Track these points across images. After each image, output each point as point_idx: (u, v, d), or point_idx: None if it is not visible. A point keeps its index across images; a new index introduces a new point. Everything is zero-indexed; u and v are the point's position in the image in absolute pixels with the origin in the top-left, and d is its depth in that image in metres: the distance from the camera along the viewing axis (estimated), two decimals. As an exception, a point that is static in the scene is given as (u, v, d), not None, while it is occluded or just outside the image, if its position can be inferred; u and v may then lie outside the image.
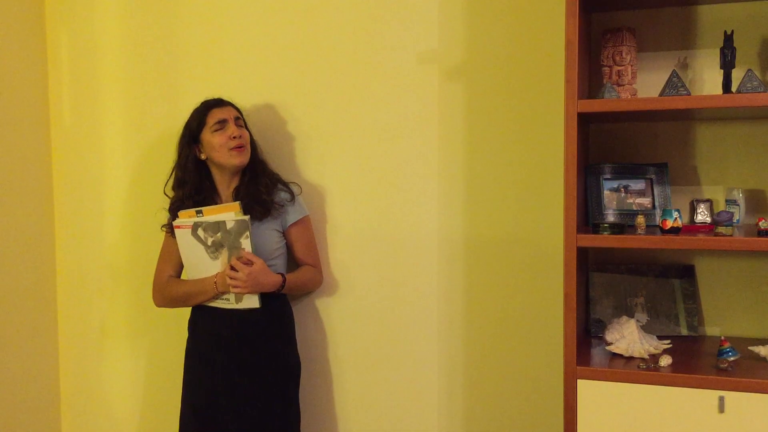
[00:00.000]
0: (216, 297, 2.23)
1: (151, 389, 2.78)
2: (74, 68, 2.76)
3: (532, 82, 2.28)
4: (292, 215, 2.31)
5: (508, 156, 2.32)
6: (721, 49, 1.90)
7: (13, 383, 2.65)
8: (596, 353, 1.96)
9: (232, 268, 2.14)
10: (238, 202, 2.18)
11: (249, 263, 2.14)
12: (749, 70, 1.79)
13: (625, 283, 2.17)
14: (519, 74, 2.29)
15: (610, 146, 2.21)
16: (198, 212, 2.19)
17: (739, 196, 2.03)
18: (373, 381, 2.51)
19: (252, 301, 2.21)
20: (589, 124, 2.19)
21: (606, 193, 2.11)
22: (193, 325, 2.35)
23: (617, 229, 1.86)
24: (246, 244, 2.17)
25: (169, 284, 2.32)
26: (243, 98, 2.57)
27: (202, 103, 2.31)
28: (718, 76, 1.94)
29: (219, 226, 2.16)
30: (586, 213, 2.11)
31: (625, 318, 1.97)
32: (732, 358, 1.79)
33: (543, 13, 2.24)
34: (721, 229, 1.80)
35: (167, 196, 2.35)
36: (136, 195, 2.73)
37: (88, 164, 2.77)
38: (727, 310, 2.14)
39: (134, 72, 2.69)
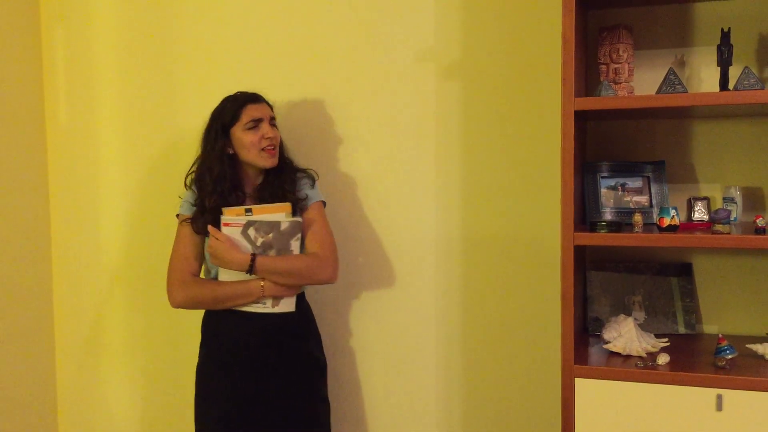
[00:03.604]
0: (255, 301, 2.10)
1: (148, 389, 2.78)
2: (70, 67, 2.76)
3: (529, 79, 2.28)
4: (307, 200, 2.20)
5: (505, 154, 2.32)
6: (718, 47, 1.90)
7: (10, 385, 2.65)
8: (594, 352, 1.96)
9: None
10: (289, 203, 2.10)
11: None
12: (746, 67, 1.79)
13: (623, 282, 2.17)
14: (516, 72, 2.29)
15: (607, 144, 2.21)
16: (247, 210, 2.07)
17: (736, 194, 2.03)
18: (371, 379, 2.50)
19: (288, 305, 2.11)
20: (586, 122, 2.18)
21: (603, 191, 2.11)
22: (213, 330, 2.18)
23: (614, 227, 1.85)
24: (296, 246, 2.09)
25: (199, 284, 2.14)
26: (239, 97, 2.57)
27: (237, 96, 2.17)
28: (715, 73, 1.94)
29: (272, 226, 2.06)
30: (584, 211, 2.11)
31: (622, 316, 1.97)
32: (730, 356, 1.79)
33: (539, 10, 2.24)
34: (718, 227, 1.80)
35: (192, 189, 2.17)
36: (132, 194, 2.72)
37: (84, 164, 2.76)
38: (725, 308, 2.14)
39: (130, 71, 2.69)
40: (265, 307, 2.10)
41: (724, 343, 1.81)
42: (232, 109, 2.14)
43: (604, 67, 2.04)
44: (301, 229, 2.09)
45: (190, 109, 2.62)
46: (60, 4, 2.74)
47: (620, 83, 2.01)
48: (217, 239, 2.04)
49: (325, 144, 2.48)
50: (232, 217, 2.06)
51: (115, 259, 2.76)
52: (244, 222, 2.05)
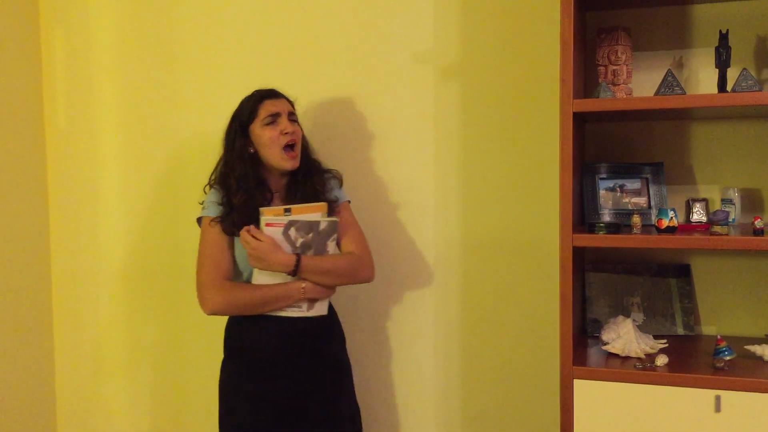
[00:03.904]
0: (291, 304, 2.02)
1: (146, 391, 2.77)
2: (69, 69, 2.76)
3: (528, 81, 2.28)
4: (337, 201, 2.15)
5: (504, 155, 2.32)
6: (716, 48, 1.90)
7: (9, 387, 2.64)
8: (593, 353, 1.96)
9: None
10: (325, 203, 2.05)
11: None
12: (744, 69, 1.79)
13: (622, 283, 2.17)
14: (514, 73, 2.29)
15: (605, 146, 2.21)
16: (286, 210, 1.99)
17: (734, 195, 2.03)
18: (370, 380, 2.50)
19: (322, 308, 2.05)
20: (585, 124, 2.19)
21: (602, 192, 2.11)
22: (245, 338, 2.06)
23: (613, 228, 1.86)
24: (332, 246, 2.03)
25: (236, 288, 2.01)
26: (238, 99, 2.56)
27: (254, 93, 2.11)
28: (714, 75, 1.94)
29: (312, 226, 1.99)
30: (582, 212, 2.11)
31: (621, 317, 1.97)
32: (728, 358, 1.79)
33: (538, 12, 2.24)
34: (716, 229, 1.80)
35: (216, 188, 2.09)
36: (131, 196, 2.72)
37: (83, 165, 2.76)
38: (724, 309, 2.14)
39: (129, 73, 2.69)
40: (301, 311, 2.03)
41: (723, 344, 1.81)
42: (249, 106, 2.08)
43: (602, 68, 2.04)
44: (337, 230, 2.04)
45: (190, 110, 2.63)
46: (59, 6, 2.74)
47: (619, 85, 2.02)
48: (259, 240, 1.94)
49: (323, 145, 2.48)
50: (273, 217, 1.98)
51: (114, 260, 2.76)
52: (285, 222, 1.97)
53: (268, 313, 2.01)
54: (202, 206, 2.09)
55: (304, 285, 1.99)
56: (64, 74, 2.77)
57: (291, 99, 2.14)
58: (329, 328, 2.13)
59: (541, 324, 2.31)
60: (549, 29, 2.21)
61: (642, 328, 2.08)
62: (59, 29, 2.76)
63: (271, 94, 2.10)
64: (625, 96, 2.01)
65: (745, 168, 2.10)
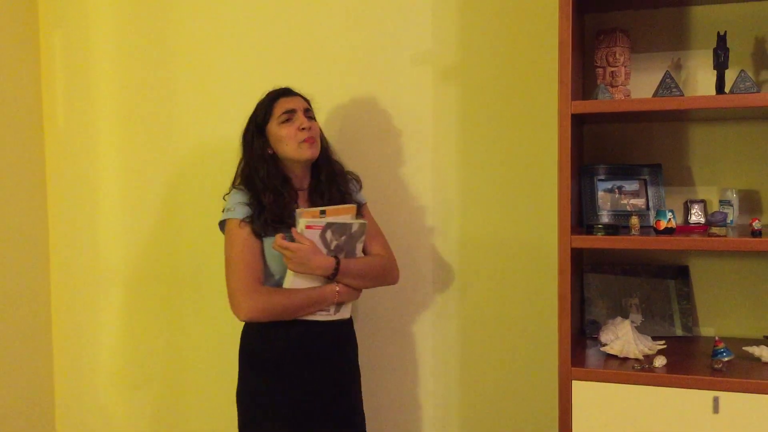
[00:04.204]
0: (325, 308, 1.99)
1: (145, 391, 2.77)
2: (68, 70, 2.76)
3: (526, 82, 2.28)
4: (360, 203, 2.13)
5: (502, 157, 2.32)
6: (715, 50, 1.91)
7: (7, 388, 2.64)
8: (591, 354, 1.96)
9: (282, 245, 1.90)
10: (354, 205, 2.02)
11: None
12: (742, 70, 1.79)
13: (620, 284, 2.17)
14: (513, 75, 2.30)
15: (604, 147, 2.21)
16: (322, 212, 1.94)
17: (732, 197, 2.03)
18: (368, 380, 2.50)
19: (347, 311, 2.04)
20: (583, 125, 2.19)
21: (600, 194, 2.11)
22: (271, 345, 1.99)
23: (611, 230, 1.86)
24: (359, 249, 2.01)
25: (271, 293, 1.94)
26: (237, 100, 2.57)
27: (268, 93, 2.08)
28: (712, 76, 1.94)
29: (345, 228, 1.96)
30: (581, 214, 2.11)
31: (619, 319, 1.97)
32: (726, 359, 1.79)
33: (536, 14, 2.25)
34: (715, 230, 1.81)
35: (241, 188, 2.02)
36: (130, 197, 2.72)
37: (82, 167, 2.76)
38: (722, 310, 2.14)
39: (128, 74, 2.69)
40: (329, 315, 2.00)
41: (721, 345, 1.81)
42: (264, 106, 2.05)
43: (600, 70, 2.04)
44: (365, 232, 2.01)
45: (189, 111, 2.63)
46: (58, 8, 2.74)
47: (617, 86, 2.02)
48: (300, 242, 1.89)
49: (322, 147, 2.48)
50: (313, 219, 1.92)
51: (113, 262, 2.76)
52: (323, 224, 1.92)
53: (302, 317, 1.96)
54: (225, 210, 2.00)
55: (338, 288, 1.96)
56: (63, 75, 2.77)
57: (307, 97, 2.11)
58: (350, 331, 2.13)
59: (539, 325, 2.31)
60: (547, 31, 2.21)
61: (640, 329, 2.08)
62: (58, 30, 2.76)
63: (286, 92, 2.07)
64: (623, 97, 2.01)
65: (743, 169, 2.10)
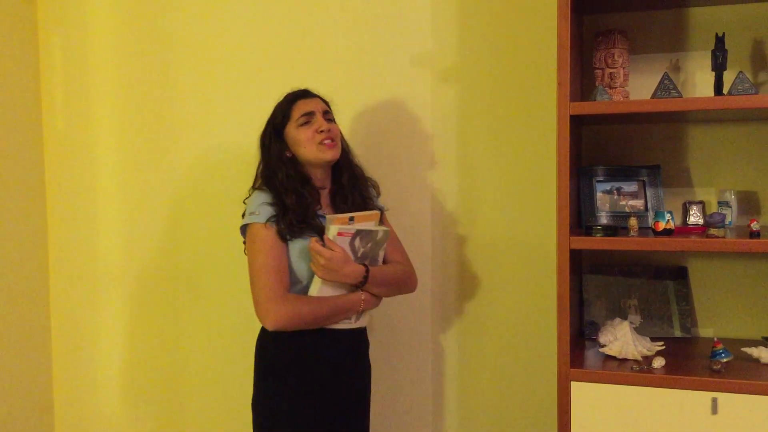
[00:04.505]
0: (348, 317, 1.94)
1: (143, 391, 2.77)
2: (67, 72, 2.76)
3: (525, 84, 2.28)
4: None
5: (501, 158, 2.33)
6: (713, 52, 1.91)
7: (6, 387, 2.64)
8: (590, 355, 1.96)
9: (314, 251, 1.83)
10: (377, 212, 1.98)
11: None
12: (740, 72, 1.80)
13: (619, 285, 2.18)
14: (511, 77, 2.30)
15: (602, 148, 2.21)
16: (350, 219, 1.88)
17: (731, 198, 2.03)
18: (367, 384, 2.50)
19: (365, 319, 2.01)
20: (582, 127, 2.19)
21: (599, 195, 2.12)
22: (293, 355, 1.91)
23: (610, 231, 1.86)
24: (381, 256, 1.98)
25: (300, 300, 1.86)
26: (236, 101, 2.57)
27: (287, 95, 2.01)
28: (710, 78, 1.94)
29: (371, 236, 1.91)
30: (579, 215, 2.12)
31: (618, 320, 1.97)
32: (725, 360, 1.79)
33: (535, 15, 2.25)
34: (713, 231, 1.81)
35: (263, 189, 1.96)
36: (129, 199, 2.72)
37: (81, 168, 2.76)
38: (720, 311, 2.14)
39: (127, 76, 2.69)
40: (350, 323, 1.95)
41: (720, 346, 1.81)
42: (282, 108, 1.99)
43: (599, 71, 2.04)
44: (387, 239, 1.97)
45: (188, 112, 2.63)
46: (57, 9, 2.74)
47: (615, 88, 2.02)
48: (332, 249, 1.82)
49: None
50: (345, 226, 1.86)
51: (112, 264, 2.76)
52: (354, 231, 1.87)
53: (327, 326, 1.91)
54: (248, 214, 1.91)
55: (363, 296, 1.92)
56: (62, 77, 2.77)
57: (326, 99, 2.05)
58: (366, 339, 2.09)
59: (538, 326, 2.31)
60: (546, 32, 2.21)
61: (639, 330, 2.08)
62: (57, 31, 2.76)
63: (304, 94, 2.01)
64: (621, 99, 2.01)
65: (742, 171, 2.10)
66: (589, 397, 1.82)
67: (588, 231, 1.89)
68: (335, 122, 2.01)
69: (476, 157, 2.35)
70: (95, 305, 2.79)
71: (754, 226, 1.77)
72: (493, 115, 2.33)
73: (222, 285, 2.64)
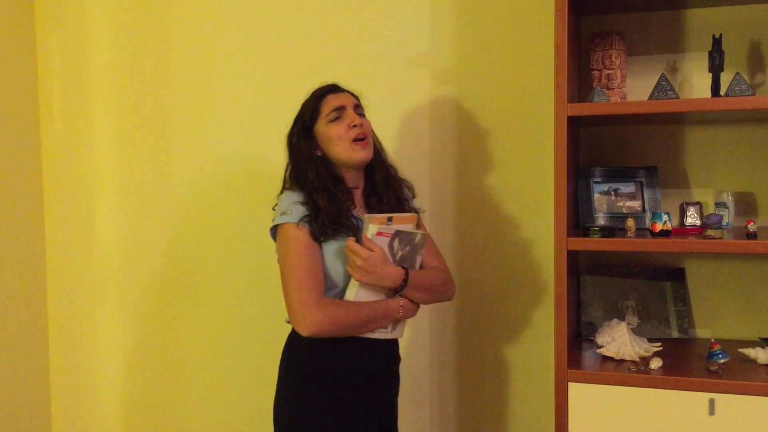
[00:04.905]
0: (385, 325, 1.81)
1: (141, 391, 2.77)
2: (64, 72, 2.75)
3: (522, 85, 2.29)
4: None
5: (499, 159, 2.33)
6: (710, 53, 1.91)
7: (3, 387, 2.63)
8: (587, 356, 1.96)
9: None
10: (415, 214, 1.87)
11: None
12: (737, 73, 1.80)
13: (616, 286, 2.18)
14: (509, 78, 2.30)
15: (600, 149, 2.22)
16: (389, 219, 1.76)
17: (728, 199, 2.04)
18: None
19: (402, 329, 1.87)
20: (579, 128, 2.19)
21: (596, 196, 2.12)
22: (323, 363, 1.80)
23: (607, 232, 1.86)
24: (418, 261, 1.85)
25: (337, 305, 1.74)
26: (234, 102, 2.57)
27: (314, 91, 1.90)
28: (707, 79, 1.95)
29: (410, 238, 1.80)
30: (577, 216, 2.12)
31: (615, 321, 1.98)
32: (722, 361, 1.80)
33: (532, 17, 2.25)
34: (710, 232, 1.81)
35: (294, 188, 1.84)
36: (126, 198, 2.72)
37: (79, 168, 2.76)
38: (718, 312, 2.14)
39: (125, 76, 2.69)
40: (386, 332, 1.82)
41: (717, 347, 1.81)
42: (311, 104, 1.87)
43: (596, 72, 2.05)
44: (425, 244, 1.85)
45: (185, 112, 2.63)
46: (55, 9, 2.74)
47: (613, 89, 2.02)
48: (370, 250, 1.72)
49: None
50: (384, 226, 1.75)
51: (109, 263, 2.76)
52: (393, 231, 1.76)
53: (362, 335, 1.79)
54: (280, 214, 1.79)
55: (402, 302, 1.79)
56: (59, 77, 2.76)
57: (356, 93, 1.93)
58: (398, 351, 1.96)
59: (535, 327, 2.32)
60: (543, 34, 2.22)
61: (636, 331, 2.09)
62: (55, 32, 2.76)
63: (333, 89, 1.89)
64: (619, 100, 2.02)
65: (739, 172, 2.11)
66: (586, 398, 1.82)
67: (585, 232, 1.89)
68: (366, 117, 1.90)
69: (474, 158, 2.35)
70: (93, 306, 2.79)
71: (751, 227, 1.78)
72: (491, 117, 2.33)
73: (220, 286, 2.64)
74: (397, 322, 1.83)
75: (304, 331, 1.71)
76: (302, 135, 1.86)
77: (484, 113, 2.33)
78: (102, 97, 2.71)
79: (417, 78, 2.39)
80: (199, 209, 2.63)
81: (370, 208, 1.86)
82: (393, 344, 1.91)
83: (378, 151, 1.92)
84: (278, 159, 2.52)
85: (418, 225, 1.90)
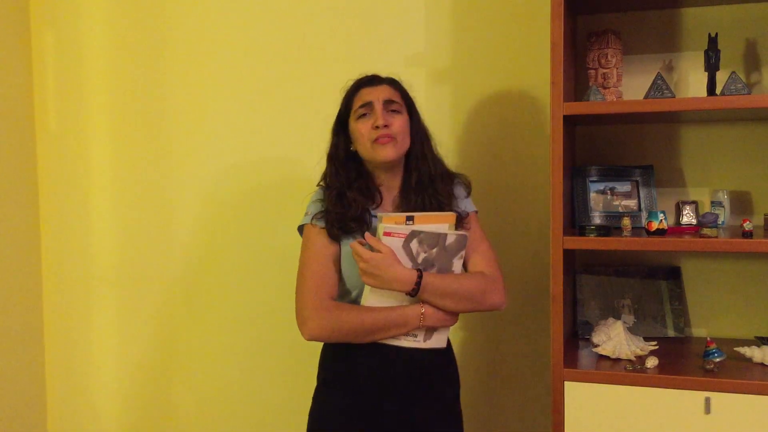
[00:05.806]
0: (407, 333, 1.71)
1: (138, 391, 2.76)
2: (60, 72, 2.75)
3: (518, 84, 2.29)
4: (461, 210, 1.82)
5: (495, 158, 2.33)
6: (706, 52, 1.92)
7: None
8: (583, 355, 1.96)
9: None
10: (453, 214, 1.74)
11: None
12: (733, 72, 1.80)
13: (612, 285, 2.18)
14: (505, 77, 2.30)
15: (596, 148, 2.22)
16: (408, 219, 1.67)
17: (724, 198, 2.04)
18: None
19: (441, 340, 1.75)
20: (575, 127, 2.19)
21: (592, 195, 2.12)
22: (339, 366, 1.77)
23: (603, 231, 1.86)
24: (458, 265, 1.73)
25: (342, 310, 1.69)
26: (231, 101, 2.57)
27: (355, 81, 1.83)
28: (703, 78, 1.95)
29: (437, 239, 1.68)
30: (573, 215, 2.12)
31: (612, 320, 1.98)
32: (718, 359, 1.80)
33: (528, 16, 2.25)
34: (706, 231, 1.81)
35: (323, 188, 1.82)
36: (122, 199, 2.71)
37: (74, 167, 2.75)
38: (713, 311, 2.15)
39: (120, 76, 2.68)
40: (416, 341, 1.72)
41: (713, 346, 1.82)
42: (346, 97, 1.81)
43: (592, 71, 2.05)
44: (465, 246, 1.73)
45: (181, 112, 2.62)
46: (50, 9, 2.73)
47: (609, 88, 2.02)
48: (375, 250, 1.65)
49: (317, 149, 2.48)
50: (393, 225, 1.66)
51: (105, 264, 2.75)
52: (407, 232, 1.65)
53: (384, 341, 1.70)
54: (305, 214, 1.79)
55: (423, 310, 1.68)
56: (54, 77, 2.76)
57: (397, 78, 1.84)
58: (445, 365, 1.84)
59: (532, 326, 2.31)
60: (539, 33, 2.22)
61: (632, 330, 2.09)
62: (50, 30, 2.75)
63: (370, 81, 1.80)
64: (615, 99, 2.02)
65: (735, 171, 2.11)
66: (582, 397, 1.82)
67: (581, 231, 1.89)
68: (404, 113, 1.78)
69: (470, 157, 2.35)
70: (88, 306, 2.78)
71: (747, 225, 1.78)
72: (487, 116, 2.33)
73: (217, 286, 2.64)
74: (431, 330, 1.72)
75: (305, 336, 1.69)
76: (338, 129, 1.83)
77: (480, 112, 2.33)
78: (98, 97, 2.71)
79: (413, 77, 2.37)
80: (196, 209, 2.63)
81: (406, 208, 1.78)
82: (424, 353, 1.74)
83: (419, 146, 1.81)
84: (277, 159, 2.54)
85: (460, 226, 1.78)
